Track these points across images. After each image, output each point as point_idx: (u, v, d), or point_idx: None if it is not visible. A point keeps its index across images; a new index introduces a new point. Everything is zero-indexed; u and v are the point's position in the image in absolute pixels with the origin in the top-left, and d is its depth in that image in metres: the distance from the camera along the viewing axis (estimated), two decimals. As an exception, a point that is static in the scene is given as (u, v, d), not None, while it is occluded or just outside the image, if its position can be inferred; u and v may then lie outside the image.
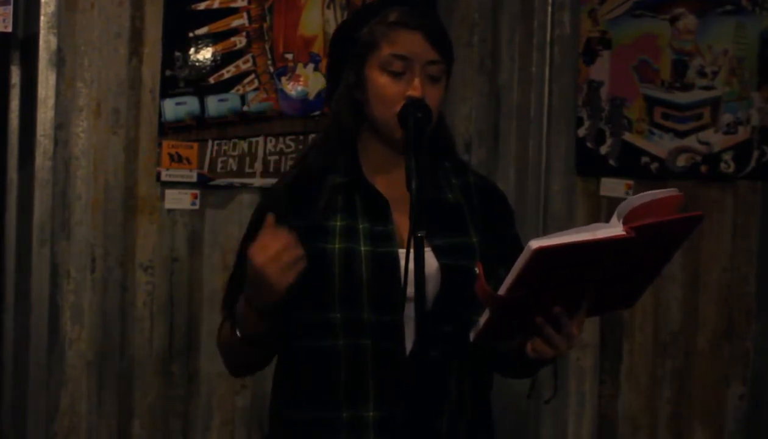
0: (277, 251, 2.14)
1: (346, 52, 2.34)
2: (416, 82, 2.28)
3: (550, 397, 2.42)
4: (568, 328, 2.17)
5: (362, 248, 2.29)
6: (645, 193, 2.09)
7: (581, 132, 3.98)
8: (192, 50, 3.70)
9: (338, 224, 2.32)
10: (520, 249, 2.42)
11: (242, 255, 2.39)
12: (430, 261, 2.28)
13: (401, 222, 2.28)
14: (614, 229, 2.03)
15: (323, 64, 3.73)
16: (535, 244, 2.00)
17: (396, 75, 2.29)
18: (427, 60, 2.30)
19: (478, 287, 2.09)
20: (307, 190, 2.35)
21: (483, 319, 2.13)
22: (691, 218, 2.13)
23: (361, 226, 2.31)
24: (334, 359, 2.28)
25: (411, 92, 2.27)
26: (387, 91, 2.28)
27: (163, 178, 3.70)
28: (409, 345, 2.27)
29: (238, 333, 2.26)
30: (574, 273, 2.08)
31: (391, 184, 2.33)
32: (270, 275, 2.14)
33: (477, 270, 2.09)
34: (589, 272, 2.09)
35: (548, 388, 2.38)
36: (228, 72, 3.73)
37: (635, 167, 4.01)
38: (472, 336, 2.17)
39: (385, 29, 2.30)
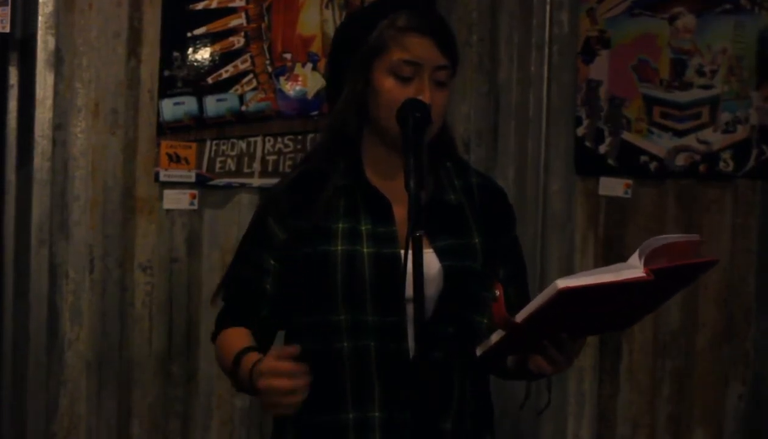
0: (282, 387, 2.10)
1: (350, 54, 2.33)
2: (426, 91, 2.27)
3: (543, 408, 2.43)
4: (572, 349, 2.20)
5: (365, 250, 2.28)
6: (666, 235, 2.13)
7: (580, 131, 3.98)
8: (190, 50, 3.70)
9: (340, 225, 2.31)
10: (519, 251, 2.44)
11: (241, 251, 2.40)
12: (433, 262, 2.28)
13: (404, 224, 2.27)
14: (636, 270, 2.06)
15: (322, 63, 3.73)
16: (561, 284, 2.02)
17: (404, 80, 2.28)
18: (436, 66, 2.29)
19: (496, 312, 2.11)
20: (308, 191, 2.35)
21: (494, 339, 2.16)
22: (706, 263, 2.18)
23: (363, 227, 2.31)
24: (338, 361, 2.28)
25: (420, 99, 2.26)
26: (394, 95, 2.27)
27: (162, 178, 3.70)
28: (413, 346, 2.27)
29: (232, 383, 2.30)
30: (590, 307, 2.12)
31: (394, 186, 2.32)
32: (267, 401, 2.13)
33: (497, 292, 2.10)
34: (603, 307, 2.14)
35: (542, 397, 2.40)
36: (226, 72, 3.72)
37: (634, 166, 4.01)
38: (478, 352, 2.20)
39: (395, 33, 2.28)
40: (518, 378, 2.36)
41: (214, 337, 2.43)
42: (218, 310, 2.46)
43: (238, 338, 2.33)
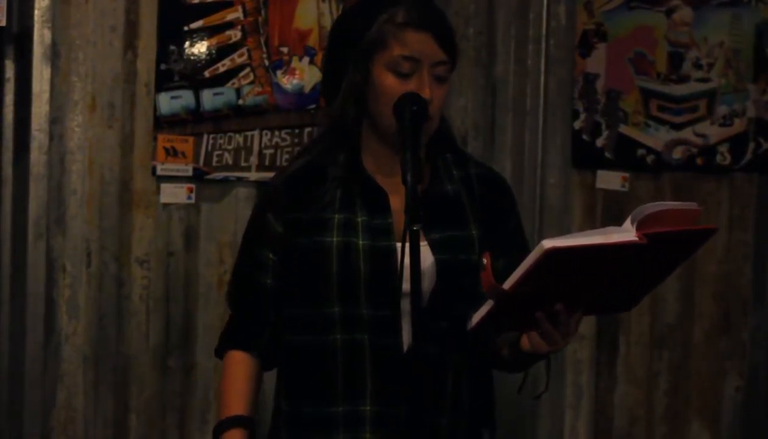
0: None
1: (349, 48, 2.32)
2: (426, 87, 2.25)
3: (541, 392, 2.40)
4: (567, 325, 2.15)
5: (360, 242, 2.28)
6: (663, 202, 2.07)
7: (577, 124, 3.98)
8: (187, 44, 3.69)
9: (337, 217, 2.31)
10: (522, 240, 2.42)
11: (244, 250, 2.40)
12: (426, 256, 2.26)
13: (400, 217, 2.26)
14: (627, 234, 2.00)
15: (319, 57, 3.73)
16: (547, 244, 1.97)
17: (403, 76, 2.27)
18: (435, 61, 2.28)
19: (484, 279, 2.06)
20: (306, 183, 2.34)
21: (484, 309, 2.11)
22: (705, 231, 2.10)
23: (359, 219, 2.30)
24: (331, 353, 2.28)
25: (419, 94, 2.25)
26: (394, 91, 2.26)
27: (159, 172, 3.69)
28: (407, 340, 2.27)
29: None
30: (582, 273, 2.06)
31: (392, 180, 2.31)
32: None
33: (485, 260, 2.07)
34: (596, 273, 2.08)
35: (541, 382, 2.36)
36: (223, 66, 3.72)
37: (631, 160, 4.00)
38: (469, 325, 2.16)
39: (394, 29, 2.27)
40: (516, 367, 2.35)
41: (219, 353, 2.42)
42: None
43: (233, 388, 2.38)
